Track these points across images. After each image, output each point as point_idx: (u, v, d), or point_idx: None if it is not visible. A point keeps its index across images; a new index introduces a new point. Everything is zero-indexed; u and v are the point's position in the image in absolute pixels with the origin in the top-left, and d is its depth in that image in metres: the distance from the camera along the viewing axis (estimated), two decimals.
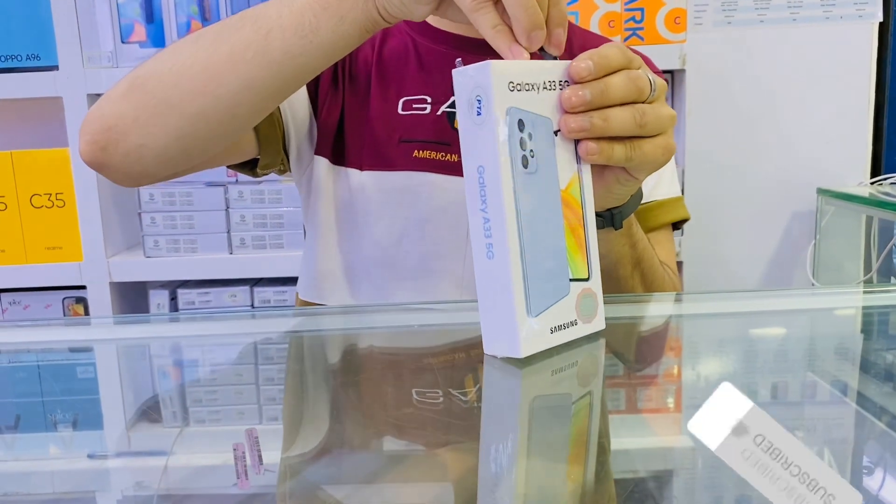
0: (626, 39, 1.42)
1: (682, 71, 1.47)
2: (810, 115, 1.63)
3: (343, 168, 0.87)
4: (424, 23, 0.89)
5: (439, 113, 0.86)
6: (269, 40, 0.65)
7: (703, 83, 1.57)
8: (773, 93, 1.63)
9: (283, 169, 0.89)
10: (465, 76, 0.52)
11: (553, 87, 0.55)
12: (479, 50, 0.90)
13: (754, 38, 1.58)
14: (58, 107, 1.46)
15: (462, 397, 0.53)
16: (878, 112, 1.64)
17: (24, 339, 0.74)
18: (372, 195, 0.85)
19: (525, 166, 0.53)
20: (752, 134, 1.64)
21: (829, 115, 1.63)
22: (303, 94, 0.85)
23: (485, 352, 0.56)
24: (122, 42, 1.46)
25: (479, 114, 0.52)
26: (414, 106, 0.86)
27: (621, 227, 0.70)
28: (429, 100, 0.86)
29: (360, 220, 0.86)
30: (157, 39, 1.45)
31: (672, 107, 1.56)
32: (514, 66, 0.53)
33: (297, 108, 0.85)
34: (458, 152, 0.85)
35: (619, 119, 0.57)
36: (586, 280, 0.58)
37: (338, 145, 0.87)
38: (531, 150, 0.53)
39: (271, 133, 0.83)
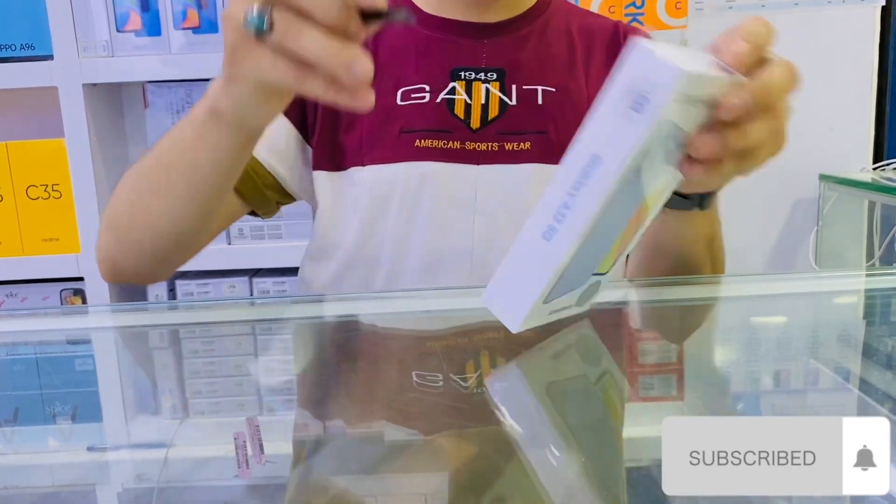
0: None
1: None
2: (812, 101, 1.62)
3: (343, 172, 0.86)
4: (420, 10, 0.88)
5: (438, 101, 0.85)
6: (171, 178, 0.67)
7: None
8: None
9: (289, 201, 0.90)
10: (642, 63, 0.45)
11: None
12: (479, 33, 0.89)
13: None
14: (53, 97, 1.45)
15: (462, 383, 0.52)
16: (880, 97, 1.63)
17: (20, 329, 0.74)
18: (376, 190, 0.84)
19: (636, 175, 0.49)
20: None
21: (831, 100, 1.62)
22: (292, 137, 0.86)
23: (483, 301, 0.53)
24: (118, 31, 1.44)
25: (633, 108, 0.46)
26: (413, 95, 0.85)
27: (708, 208, 0.67)
28: (427, 88, 0.85)
29: (366, 217, 0.85)
30: (153, 28, 1.44)
31: None
32: (694, 78, 0.46)
33: (286, 155, 0.86)
34: (459, 139, 0.84)
35: (756, 134, 0.52)
36: (604, 274, 0.57)
37: (336, 152, 0.86)
38: (651, 161, 0.49)
39: (256, 195, 0.85)
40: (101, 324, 0.77)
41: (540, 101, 0.86)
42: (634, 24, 1.41)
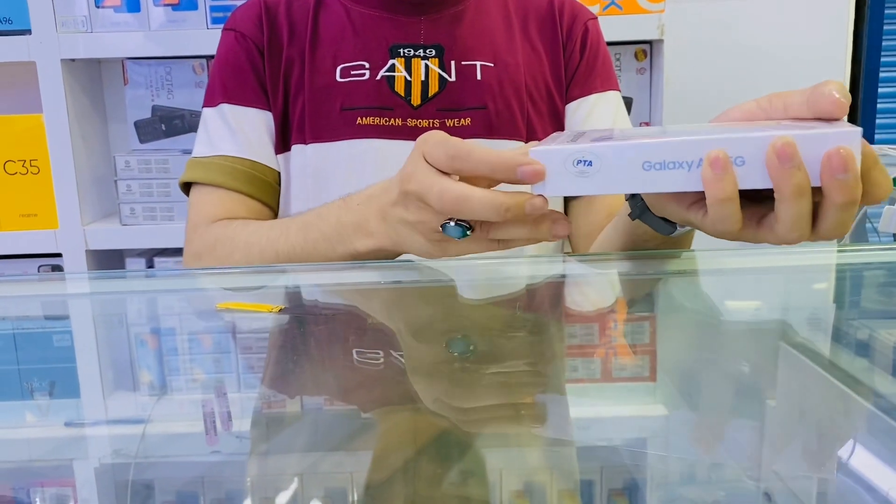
0: (604, 9, 1.41)
1: (661, 41, 1.47)
2: (788, 85, 1.64)
3: (287, 152, 0.87)
4: None
5: (378, 77, 0.86)
6: (290, 259, 0.76)
7: (681, 54, 1.57)
8: (751, 62, 1.63)
9: None
10: None
11: None
12: (416, 10, 0.89)
13: (733, 7, 1.58)
14: (31, 72, 1.44)
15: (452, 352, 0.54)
16: (853, 86, 1.66)
17: None
18: (319, 168, 0.85)
19: None
20: (729, 104, 1.65)
21: (807, 85, 1.64)
22: (272, 127, 0.89)
23: None
24: (97, 6, 1.43)
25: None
26: (352, 72, 0.86)
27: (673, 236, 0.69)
28: (366, 65, 0.86)
29: (310, 196, 0.86)
30: (132, 4, 1.43)
31: (650, 77, 1.57)
32: None
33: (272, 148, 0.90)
34: (401, 116, 0.86)
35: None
36: None
37: (284, 133, 0.88)
38: None
39: (272, 193, 0.90)
40: (77, 290, 0.78)
41: (479, 77, 0.87)
42: (612, 8, 1.42)
